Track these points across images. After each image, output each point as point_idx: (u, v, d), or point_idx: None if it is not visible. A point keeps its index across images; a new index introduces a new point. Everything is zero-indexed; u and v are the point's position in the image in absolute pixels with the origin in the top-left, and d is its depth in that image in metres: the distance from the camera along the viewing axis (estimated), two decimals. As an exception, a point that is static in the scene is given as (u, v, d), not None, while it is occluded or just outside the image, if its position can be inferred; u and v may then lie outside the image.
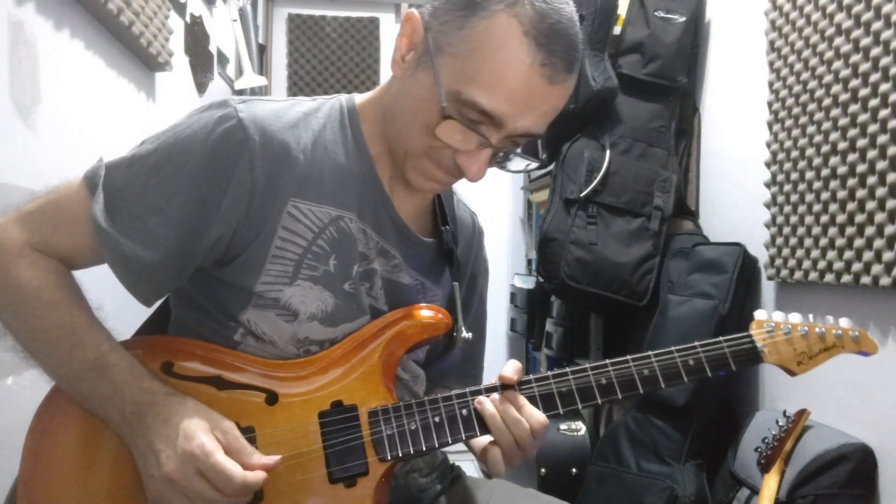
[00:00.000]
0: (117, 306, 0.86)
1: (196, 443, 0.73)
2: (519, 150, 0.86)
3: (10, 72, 1.15)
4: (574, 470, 2.22)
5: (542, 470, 2.24)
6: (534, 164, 0.89)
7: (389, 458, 0.82)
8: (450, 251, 0.98)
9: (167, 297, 0.96)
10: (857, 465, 1.42)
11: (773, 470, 1.47)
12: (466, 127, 0.79)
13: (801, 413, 1.52)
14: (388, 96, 0.89)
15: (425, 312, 0.91)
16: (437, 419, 0.84)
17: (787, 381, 1.76)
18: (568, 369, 0.87)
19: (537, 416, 0.83)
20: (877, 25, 1.41)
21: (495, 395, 0.84)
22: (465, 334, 0.96)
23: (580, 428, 2.33)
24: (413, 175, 0.87)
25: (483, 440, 0.87)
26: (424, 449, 0.83)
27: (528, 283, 3.13)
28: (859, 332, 1.01)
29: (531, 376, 0.87)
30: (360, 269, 0.88)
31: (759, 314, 0.98)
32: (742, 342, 0.93)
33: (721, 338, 0.93)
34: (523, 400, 0.84)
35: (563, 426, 2.33)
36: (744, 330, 0.95)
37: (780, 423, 1.52)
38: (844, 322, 1.02)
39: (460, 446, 0.90)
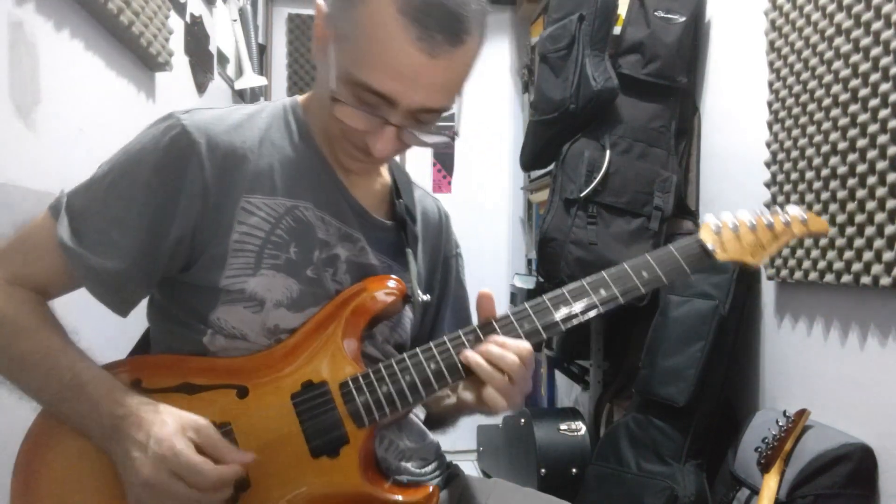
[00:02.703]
0: (94, 335, 0.88)
1: (166, 445, 0.74)
2: (430, 128, 0.87)
3: (10, 72, 1.15)
4: (574, 470, 2.22)
5: (542, 470, 2.24)
6: (441, 139, 0.90)
7: (367, 423, 0.84)
8: (403, 221, 1.00)
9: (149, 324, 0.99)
10: (857, 465, 1.42)
11: (773, 470, 1.47)
12: (363, 109, 0.82)
13: (801, 413, 1.52)
14: (317, 86, 0.92)
15: (378, 282, 0.93)
16: (407, 378, 0.85)
17: (788, 381, 1.76)
18: (525, 305, 0.88)
19: (521, 344, 0.85)
20: (877, 25, 1.41)
21: (480, 345, 0.85)
22: (423, 297, 0.98)
23: (580, 428, 2.33)
24: (342, 157, 0.91)
25: (467, 393, 0.89)
26: (400, 408, 0.85)
27: (528, 283, 3.13)
28: (808, 214, 1.04)
29: (493, 319, 0.88)
30: (323, 256, 0.90)
31: (706, 217, 1.01)
32: (690, 246, 0.95)
33: (670, 245, 0.95)
34: (502, 338, 0.85)
35: (563, 426, 2.33)
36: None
37: (780, 423, 1.52)
38: (791, 208, 1.04)
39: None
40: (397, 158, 1.05)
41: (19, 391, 0.83)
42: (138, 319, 0.95)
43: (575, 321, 0.89)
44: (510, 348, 0.84)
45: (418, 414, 1.01)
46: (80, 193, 0.87)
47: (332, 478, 0.82)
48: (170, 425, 0.76)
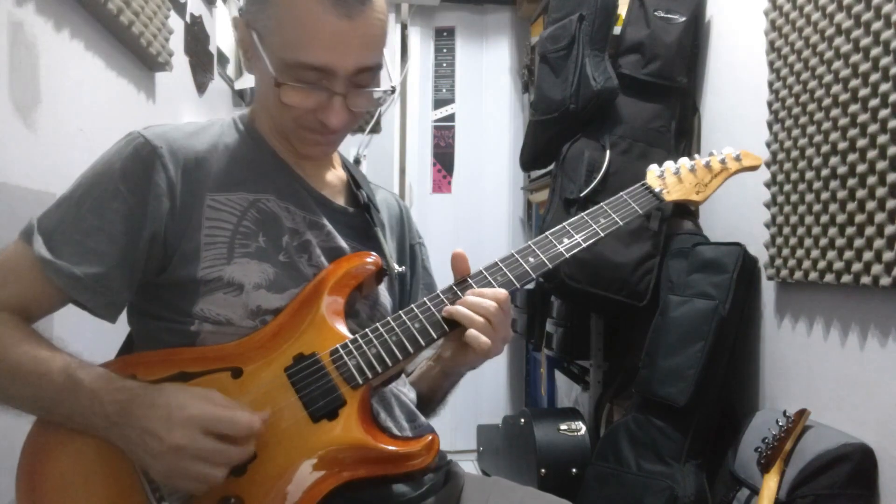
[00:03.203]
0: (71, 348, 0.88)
1: (192, 407, 0.77)
2: (371, 88, 0.94)
3: (10, 72, 1.15)
4: (574, 470, 2.22)
5: (542, 470, 2.24)
6: (385, 96, 0.97)
7: (361, 383, 0.88)
8: (367, 207, 1.05)
9: (130, 335, 1.01)
10: (857, 465, 1.42)
11: (773, 470, 1.47)
12: (307, 88, 0.89)
13: (801, 413, 1.52)
14: (257, 93, 1.02)
15: (356, 257, 0.98)
16: (394, 338, 0.90)
17: (788, 381, 1.76)
18: (496, 260, 0.97)
19: (498, 291, 0.93)
20: (877, 25, 1.41)
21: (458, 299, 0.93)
22: (399, 268, 1.05)
23: (580, 428, 2.33)
24: (301, 147, 0.98)
25: (448, 351, 0.98)
26: (391, 365, 0.89)
27: (528, 284, 3.13)
28: (741, 152, 1.16)
29: (467, 277, 0.96)
30: (294, 243, 0.95)
31: (651, 167, 1.11)
32: (640, 191, 1.06)
33: (621, 192, 1.05)
34: (479, 289, 0.93)
35: (563, 426, 2.33)
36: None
37: (780, 423, 1.52)
38: (727, 149, 1.16)
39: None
40: (353, 160, 1.10)
41: (13, 408, 0.83)
42: (115, 329, 0.96)
43: (543, 269, 0.97)
44: (487, 295, 0.92)
45: (409, 394, 1.02)
46: (50, 213, 0.89)
47: (335, 436, 0.85)
48: (185, 393, 0.79)
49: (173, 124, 0.97)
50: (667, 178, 1.09)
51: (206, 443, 0.76)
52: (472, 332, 0.89)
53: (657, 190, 1.06)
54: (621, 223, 1.01)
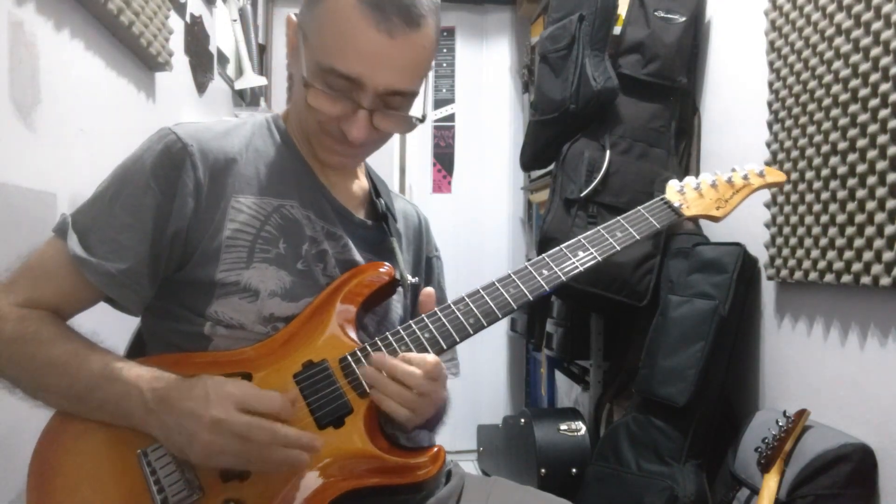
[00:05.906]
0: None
1: (229, 385, 0.79)
2: (400, 112, 0.92)
3: (10, 72, 1.15)
4: (574, 470, 2.22)
5: (542, 470, 2.24)
6: (411, 122, 0.95)
7: (369, 390, 0.87)
8: (385, 217, 1.05)
9: (138, 334, 1.03)
10: (857, 465, 1.42)
11: (773, 470, 1.47)
12: (333, 94, 0.89)
13: (801, 413, 1.52)
14: (293, 93, 0.99)
15: (370, 268, 0.98)
16: (403, 348, 0.90)
17: (788, 381, 1.76)
18: (510, 272, 0.95)
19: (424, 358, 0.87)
20: (877, 25, 1.41)
21: (378, 354, 0.87)
22: (412, 279, 1.04)
23: (580, 428, 2.33)
24: (321, 153, 0.97)
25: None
26: None
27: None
28: (764, 167, 1.13)
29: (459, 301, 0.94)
30: (312, 252, 0.95)
31: (670, 182, 1.09)
32: (658, 206, 1.05)
33: (639, 207, 1.03)
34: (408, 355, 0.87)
35: (563, 426, 2.33)
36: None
37: (780, 423, 1.52)
38: (749, 165, 1.14)
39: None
40: (373, 167, 1.10)
41: (44, 400, 0.84)
42: (121, 330, 0.96)
43: (557, 282, 0.95)
44: (414, 362, 0.86)
45: None
46: (83, 211, 0.90)
47: (340, 445, 0.85)
48: (221, 378, 0.81)
49: (205, 123, 0.97)
50: (686, 192, 1.08)
51: (243, 418, 0.76)
52: (387, 402, 0.85)
53: (676, 205, 1.05)
54: (638, 237, 1.00)
